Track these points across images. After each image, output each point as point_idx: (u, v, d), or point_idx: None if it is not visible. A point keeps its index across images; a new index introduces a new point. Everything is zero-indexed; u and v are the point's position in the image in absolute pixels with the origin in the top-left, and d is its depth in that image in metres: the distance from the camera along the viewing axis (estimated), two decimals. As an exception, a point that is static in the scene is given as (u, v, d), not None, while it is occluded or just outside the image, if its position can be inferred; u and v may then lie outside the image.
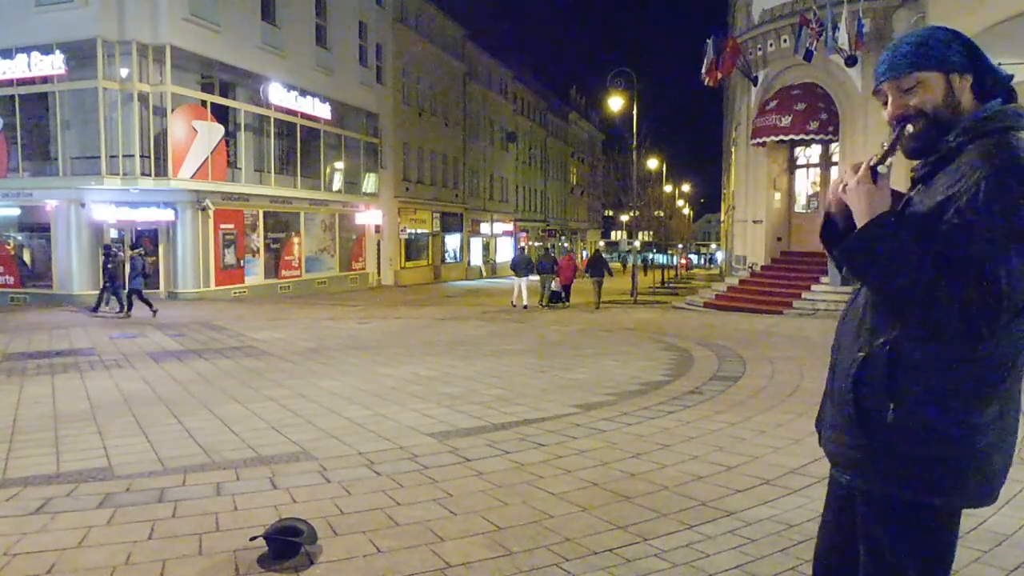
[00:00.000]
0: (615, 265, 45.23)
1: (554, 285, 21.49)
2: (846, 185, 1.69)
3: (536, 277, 21.39)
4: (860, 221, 1.64)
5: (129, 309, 16.55)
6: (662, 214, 51.71)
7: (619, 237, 67.34)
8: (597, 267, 22.00)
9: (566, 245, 62.46)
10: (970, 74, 1.70)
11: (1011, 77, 1.73)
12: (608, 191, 59.31)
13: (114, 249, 17.97)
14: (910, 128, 1.70)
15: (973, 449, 1.62)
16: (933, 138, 1.72)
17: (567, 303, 21.70)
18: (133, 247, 17.75)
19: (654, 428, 5.84)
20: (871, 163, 1.68)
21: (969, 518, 3.79)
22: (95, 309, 17.10)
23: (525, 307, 19.91)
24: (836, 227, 1.82)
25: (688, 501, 4.13)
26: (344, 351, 10.56)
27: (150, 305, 16.31)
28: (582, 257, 52.07)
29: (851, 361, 1.74)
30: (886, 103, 1.78)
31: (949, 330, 1.52)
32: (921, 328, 1.58)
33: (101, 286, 17.51)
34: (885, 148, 1.70)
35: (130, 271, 16.55)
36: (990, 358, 1.59)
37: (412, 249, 38.03)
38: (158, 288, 22.19)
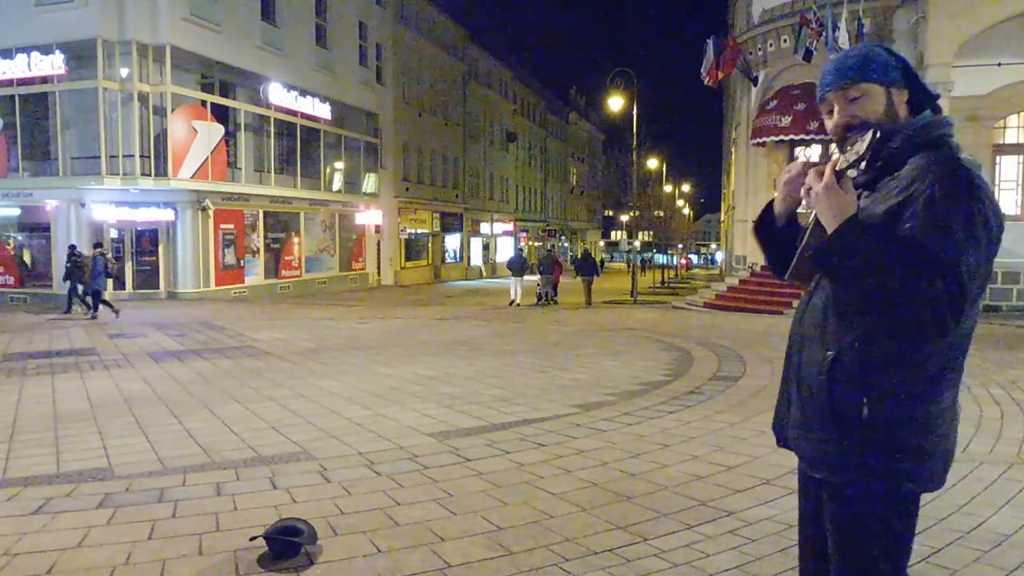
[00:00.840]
0: (619, 265, 46.07)
1: (529, 283, 22.52)
2: (811, 189, 1.77)
3: (532, 277, 22.08)
4: (831, 223, 1.71)
5: (94, 310, 16.16)
6: (662, 214, 51.69)
7: (619, 237, 67.36)
8: (587, 267, 22.92)
9: (565, 245, 62.48)
10: (906, 89, 1.85)
11: (938, 95, 1.90)
12: (608, 191, 59.36)
13: (78, 249, 17.52)
14: (879, 133, 1.78)
15: (936, 436, 1.75)
16: (878, 145, 1.82)
17: (556, 301, 22.48)
18: (95, 247, 17.18)
19: (654, 428, 5.84)
20: (836, 167, 1.76)
21: (969, 518, 3.79)
22: (67, 311, 16.78)
23: (518, 305, 20.65)
24: (771, 216, 1.99)
25: (688, 501, 4.13)
26: (344, 351, 10.56)
27: (111, 307, 16.01)
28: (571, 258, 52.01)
29: (820, 361, 1.80)
30: (830, 112, 1.90)
31: (921, 323, 1.60)
32: (895, 324, 1.65)
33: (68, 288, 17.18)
34: (859, 153, 1.78)
35: (92, 271, 16.10)
36: (948, 348, 1.72)
37: (412, 249, 38.03)
38: (158, 288, 22.22)
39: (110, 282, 18.48)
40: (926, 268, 1.58)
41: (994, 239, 1.67)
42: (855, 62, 1.85)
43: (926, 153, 1.76)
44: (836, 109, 1.87)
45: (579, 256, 26.84)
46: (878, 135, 1.78)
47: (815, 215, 1.78)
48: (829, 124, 1.91)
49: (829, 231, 1.70)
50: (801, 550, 2.12)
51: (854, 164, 1.77)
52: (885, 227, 1.70)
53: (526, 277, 22.27)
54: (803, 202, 1.88)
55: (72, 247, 17.68)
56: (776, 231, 2.01)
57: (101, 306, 16.16)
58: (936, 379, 1.73)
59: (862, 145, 1.77)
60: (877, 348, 1.72)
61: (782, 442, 2.02)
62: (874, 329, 1.71)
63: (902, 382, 1.71)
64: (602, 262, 53.91)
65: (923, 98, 1.87)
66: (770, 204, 2.04)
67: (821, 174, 1.76)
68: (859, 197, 1.81)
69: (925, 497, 4.29)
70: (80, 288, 16.72)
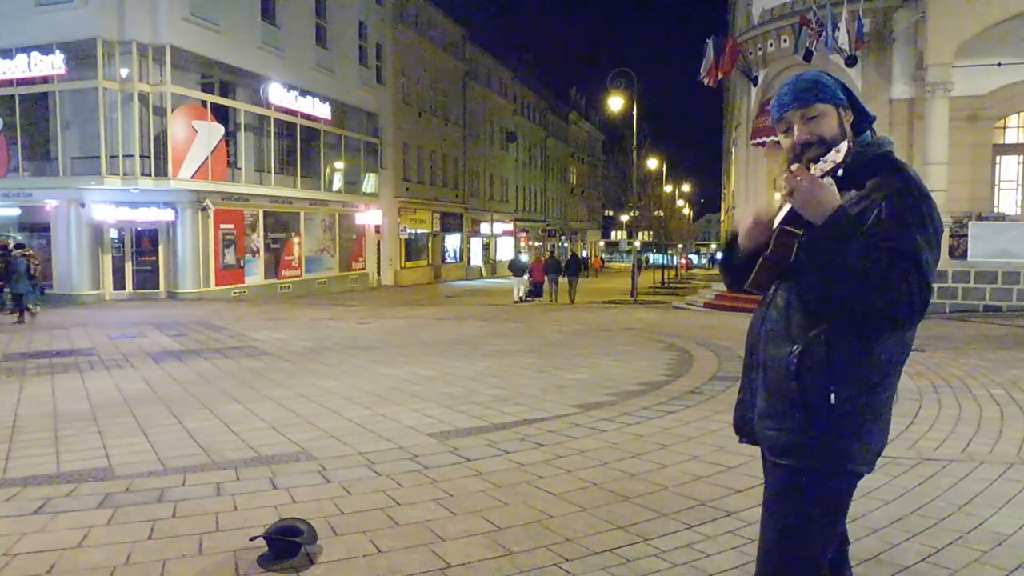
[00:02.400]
0: (622, 266, 47.42)
1: (528, 283, 25.19)
2: (792, 190, 1.89)
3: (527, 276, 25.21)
4: (819, 216, 1.84)
5: (20, 313, 15.41)
6: (662, 214, 51.71)
7: (619, 237, 67.34)
8: (573, 267, 25.76)
9: (565, 245, 62.46)
10: (850, 111, 2.05)
11: (874, 118, 2.12)
12: (608, 191, 59.29)
13: (10, 249, 16.95)
14: (852, 144, 1.96)
15: (882, 420, 1.97)
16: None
17: (541, 298, 25.19)
18: (16, 247, 16.58)
19: (654, 428, 5.84)
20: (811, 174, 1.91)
21: (969, 518, 3.79)
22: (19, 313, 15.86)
23: (520, 301, 23.65)
24: (735, 256, 2.15)
25: (688, 501, 4.12)
26: (344, 351, 10.56)
27: (23, 311, 15.30)
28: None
29: (788, 355, 1.95)
30: (787, 132, 2.07)
31: (897, 314, 1.78)
32: (870, 315, 1.81)
33: None
34: (836, 162, 1.93)
35: (13, 273, 15.50)
36: (900, 341, 1.93)
37: (412, 249, 38.03)
38: (158, 288, 22.23)
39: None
40: (898, 263, 1.76)
41: (939, 240, 1.88)
42: (811, 84, 2.03)
43: (879, 167, 1.95)
44: (796, 128, 2.03)
45: (568, 256, 30.01)
46: (850, 145, 1.96)
47: (779, 227, 1.94)
48: (786, 143, 2.07)
49: (818, 224, 1.84)
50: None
51: (830, 172, 1.92)
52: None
53: (523, 277, 25.05)
54: (775, 218, 2.00)
55: (3, 247, 17.16)
56: (739, 261, 2.15)
57: (30, 307, 15.54)
58: (887, 369, 1.92)
59: (838, 155, 1.93)
60: (843, 339, 1.88)
61: (744, 438, 2.19)
62: (842, 323, 1.87)
63: (863, 372, 1.89)
64: (592, 261, 55.48)
65: (863, 119, 2.08)
66: (735, 237, 2.19)
67: (802, 173, 1.89)
68: None
69: (925, 497, 4.31)
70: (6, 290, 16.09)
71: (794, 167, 1.93)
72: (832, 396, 1.87)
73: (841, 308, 1.86)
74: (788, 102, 2.05)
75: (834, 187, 1.87)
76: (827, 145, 1.98)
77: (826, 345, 1.89)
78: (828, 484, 1.95)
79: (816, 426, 1.91)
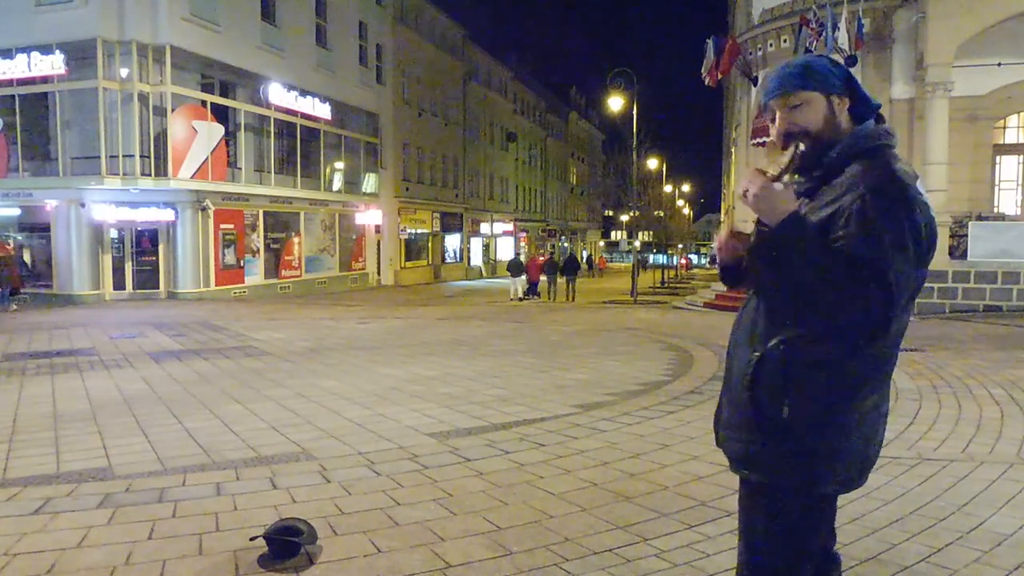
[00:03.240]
0: (623, 266, 48.56)
1: (524, 282, 26.69)
2: (747, 192, 1.78)
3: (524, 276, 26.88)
4: (773, 220, 1.72)
5: None
6: (662, 214, 51.74)
7: (619, 237, 67.37)
8: (571, 267, 27.46)
9: (565, 245, 62.49)
10: (847, 98, 1.87)
11: (879, 105, 1.92)
12: (608, 191, 59.34)
13: None
14: (802, 146, 1.81)
15: (855, 438, 1.78)
16: (817, 154, 1.85)
17: (538, 296, 26.63)
18: None
19: (654, 428, 5.84)
20: (768, 176, 1.78)
21: (969, 518, 3.79)
22: None
23: (519, 299, 24.76)
24: (734, 270, 2.03)
25: (688, 501, 4.12)
26: (344, 351, 10.56)
27: None
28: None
29: (747, 362, 1.83)
30: (774, 120, 1.92)
31: (853, 326, 1.65)
32: (828, 327, 1.69)
33: None
34: (783, 165, 1.80)
35: None
36: (874, 354, 1.74)
37: (412, 249, 38.03)
38: (158, 288, 22.23)
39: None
40: (859, 273, 1.61)
41: (924, 250, 1.69)
42: (797, 70, 1.87)
43: (862, 162, 1.78)
44: (778, 116, 1.89)
45: (567, 256, 31.86)
46: (800, 148, 1.81)
47: (756, 226, 1.83)
48: (772, 131, 1.94)
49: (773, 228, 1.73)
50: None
51: (779, 176, 1.78)
52: (820, 234, 1.72)
53: (520, 277, 26.45)
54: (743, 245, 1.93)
55: None
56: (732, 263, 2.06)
57: None
58: (858, 384, 1.75)
59: (784, 158, 1.80)
60: (802, 351, 1.73)
61: (718, 441, 2.06)
62: (804, 332, 1.73)
63: (825, 386, 1.73)
64: (598, 262, 56.15)
65: (864, 108, 1.89)
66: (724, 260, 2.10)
67: (755, 175, 1.77)
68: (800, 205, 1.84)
69: (925, 497, 4.30)
70: None
71: (751, 169, 1.82)
72: (785, 410, 1.74)
73: (802, 317, 1.73)
74: (773, 88, 1.91)
75: (789, 190, 1.76)
76: (812, 137, 1.84)
77: (783, 354, 1.75)
78: (789, 501, 1.82)
79: (769, 440, 1.78)
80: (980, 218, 16.27)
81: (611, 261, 75.57)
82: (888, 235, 1.64)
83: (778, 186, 1.76)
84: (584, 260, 56.16)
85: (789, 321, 1.76)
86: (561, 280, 27.10)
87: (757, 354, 1.80)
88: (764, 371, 1.78)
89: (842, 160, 1.81)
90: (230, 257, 23.80)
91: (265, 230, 25.69)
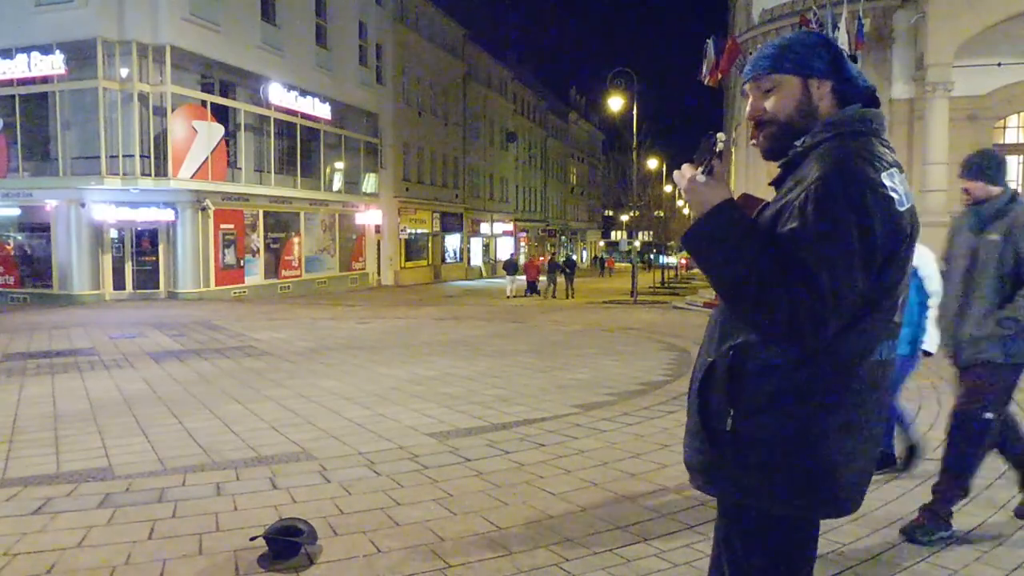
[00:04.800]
0: (623, 266, 49.73)
1: (520, 282, 28.32)
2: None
3: (522, 276, 28.85)
4: (700, 212, 1.61)
5: None
6: (662, 214, 51.74)
7: (619, 237, 67.34)
8: (569, 267, 29.11)
9: (571, 247, 62.54)
10: (829, 80, 1.68)
11: (869, 87, 1.70)
12: (608, 191, 59.34)
13: None
14: (721, 140, 1.64)
15: (817, 457, 1.55)
16: (787, 142, 1.69)
17: (538, 294, 27.93)
18: None
19: (654, 428, 5.84)
20: (696, 168, 1.66)
21: (970, 517, 3.79)
22: None
23: (510, 297, 25.68)
24: None
25: (688, 501, 4.12)
26: (344, 351, 10.56)
27: None
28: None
29: (700, 367, 1.71)
30: None
31: (777, 330, 1.50)
32: (754, 329, 1.56)
33: None
34: (701, 161, 1.65)
35: None
36: (827, 364, 1.54)
37: (412, 249, 38.01)
38: (158, 288, 22.22)
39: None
40: (789, 273, 1.46)
41: (878, 250, 1.49)
42: (771, 51, 1.70)
43: (821, 150, 1.60)
44: (749, 101, 1.74)
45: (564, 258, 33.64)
46: (714, 140, 1.62)
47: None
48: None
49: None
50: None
51: (709, 169, 1.62)
52: (766, 230, 1.58)
53: (516, 277, 27.99)
54: None
55: None
56: None
57: None
58: (814, 398, 1.54)
59: (699, 153, 1.66)
60: (751, 358, 1.58)
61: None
62: (748, 338, 1.58)
63: (775, 397, 1.55)
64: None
65: (850, 89, 1.68)
66: None
67: (686, 170, 1.65)
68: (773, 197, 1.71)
69: (925, 496, 4.28)
70: None
71: (684, 165, 1.66)
72: (728, 421, 1.59)
73: (742, 320, 1.59)
74: (747, 72, 1.75)
75: (720, 183, 1.61)
76: (780, 124, 1.68)
77: (731, 361, 1.60)
78: (746, 520, 1.65)
79: (715, 452, 1.63)
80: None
81: (617, 262, 75.73)
82: (828, 232, 1.46)
83: (701, 178, 1.61)
84: (596, 261, 60.60)
85: (739, 325, 1.61)
86: (561, 279, 28.61)
87: (710, 359, 1.66)
88: (713, 377, 1.64)
89: (808, 149, 1.64)
90: (230, 257, 23.79)
91: (265, 230, 25.69)
